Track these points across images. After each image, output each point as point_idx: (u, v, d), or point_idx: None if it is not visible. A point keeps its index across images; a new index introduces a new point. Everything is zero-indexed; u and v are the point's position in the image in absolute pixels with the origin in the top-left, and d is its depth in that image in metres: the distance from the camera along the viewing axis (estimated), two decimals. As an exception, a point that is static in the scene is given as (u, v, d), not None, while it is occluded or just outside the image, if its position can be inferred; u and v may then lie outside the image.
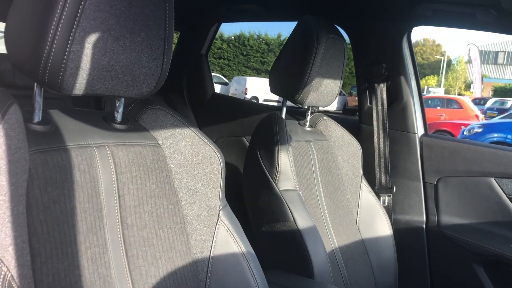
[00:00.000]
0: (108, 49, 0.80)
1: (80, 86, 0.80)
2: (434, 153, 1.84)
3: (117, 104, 0.98)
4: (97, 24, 0.77)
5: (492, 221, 1.69)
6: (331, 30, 1.56)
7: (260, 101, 18.55)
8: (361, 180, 1.77)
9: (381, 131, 1.90)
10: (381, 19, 1.82)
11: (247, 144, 2.43)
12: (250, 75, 21.77)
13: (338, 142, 1.76)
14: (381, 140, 1.90)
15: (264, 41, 25.60)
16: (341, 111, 19.11)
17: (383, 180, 1.90)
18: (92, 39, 0.77)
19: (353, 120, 2.12)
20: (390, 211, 1.88)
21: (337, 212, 1.65)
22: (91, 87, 0.81)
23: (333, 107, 19.15)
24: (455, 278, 1.75)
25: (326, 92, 1.60)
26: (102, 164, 0.89)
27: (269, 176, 1.44)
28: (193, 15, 2.33)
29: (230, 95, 18.49)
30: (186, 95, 2.55)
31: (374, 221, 1.74)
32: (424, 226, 1.84)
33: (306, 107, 1.65)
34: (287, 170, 1.43)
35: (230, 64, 25.28)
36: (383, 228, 1.73)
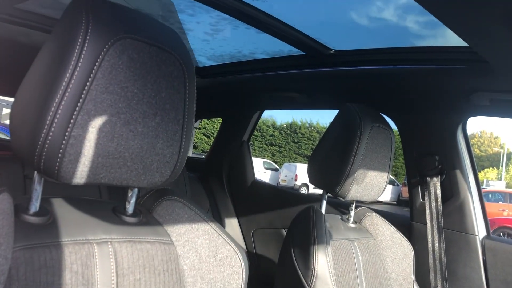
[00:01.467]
0: (116, 134, 0.72)
1: (81, 174, 0.71)
2: (500, 260, 1.59)
3: (129, 194, 0.88)
4: (105, 107, 0.70)
5: None
6: (376, 119, 1.45)
7: (310, 189, 18.32)
8: (413, 287, 1.53)
9: (435, 231, 1.68)
10: (433, 109, 1.69)
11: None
12: (301, 162, 21.79)
13: (386, 242, 1.56)
14: (436, 242, 1.68)
15: (315, 129, 25.89)
16: (395, 202, 18.40)
17: (437, 285, 1.64)
18: (97, 123, 0.69)
19: (404, 217, 1.92)
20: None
21: None
22: (94, 175, 0.72)
23: (386, 197, 18.53)
24: None
25: (371, 186, 1.45)
26: (101, 263, 0.77)
27: (303, 281, 1.26)
28: (236, 102, 2.31)
29: (280, 181, 18.45)
30: (225, 182, 2.47)
31: None
32: None
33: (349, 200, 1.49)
34: (325, 274, 1.25)
35: (281, 151, 25.56)
36: None
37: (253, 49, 1.80)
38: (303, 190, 18.40)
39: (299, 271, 1.29)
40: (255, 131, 2.47)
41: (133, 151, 0.74)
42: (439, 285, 1.64)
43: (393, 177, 20.31)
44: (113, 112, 0.71)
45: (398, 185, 19.23)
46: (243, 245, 2.39)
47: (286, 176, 18.88)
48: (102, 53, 0.68)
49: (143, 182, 0.80)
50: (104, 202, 0.95)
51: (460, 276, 1.64)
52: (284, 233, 2.25)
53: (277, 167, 20.58)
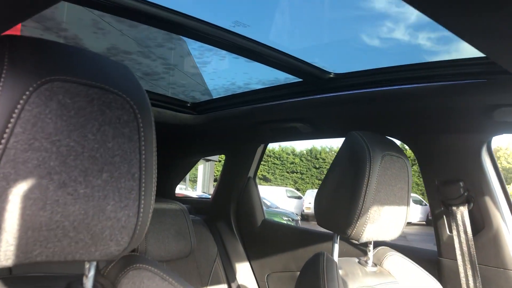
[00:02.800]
0: (49, 200, 0.56)
1: (6, 255, 0.55)
2: None
3: (86, 267, 0.72)
4: (30, 168, 0.54)
5: None
6: (387, 146, 1.27)
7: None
8: None
9: (468, 268, 1.47)
10: (452, 130, 1.50)
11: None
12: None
13: (412, 285, 1.36)
14: (470, 280, 1.45)
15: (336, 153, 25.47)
16: (424, 222, 17.78)
17: None
18: (21, 189, 0.54)
19: (430, 252, 1.70)
20: None
21: None
22: (25, 254, 0.57)
23: (415, 218, 17.93)
24: None
25: (388, 223, 1.26)
26: None
27: None
28: (237, 137, 2.16)
29: (304, 209, 18.06)
30: (234, 223, 2.29)
31: None
32: None
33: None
34: None
35: (303, 178, 25.20)
36: None
37: (246, 79, 1.67)
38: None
39: None
40: (275, 159, 2.28)
41: (75, 218, 0.58)
42: None
43: (419, 196, 19.72)
44: (42, 173, 0.55)
45: (425, 205, 18.61)
46: (257, 292, 2.19)
47: (310, 203, 18.50)
48: (21, 101, 0.54)
49: (95, 254, 0.63)
50: (58, 277, 0.79)
51: None
52: (301, 276, 2.05)
53: (300, 194, 20.22)
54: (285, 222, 9.01)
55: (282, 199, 18.27)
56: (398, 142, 1.44)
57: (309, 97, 1.62)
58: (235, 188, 2.27)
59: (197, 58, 1.45)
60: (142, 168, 0.64)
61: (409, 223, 16.70)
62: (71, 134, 0.57)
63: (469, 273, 1.46)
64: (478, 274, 1.44)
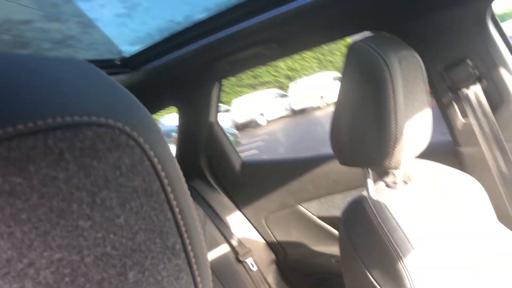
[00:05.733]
0: None
1: None
2: None
3: None
4: None
5: None
6: (393, 44, 1.02)
7: (267, 117, 18.13)
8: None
9: (495, 149, 1.32)
10: (446, 5, 1.26)
11: (306, 212, 1.87)
12: (247, 94, 21.24)
13: (446, 185, 1.19)
14: (501, 161, 1.32)
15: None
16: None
17: None
18: None
19: (442, 144, 1.53)
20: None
21: None
22: None
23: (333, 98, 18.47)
24: None
25: (418, 135, 1.06)
26: None
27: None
28: (186, 84, 1.79)
29: (235, 120, 18.00)
30: (210, 177, 2.00)
31: None
32: None
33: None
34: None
35: (224, 89, 24.80)
36: None
37: (188, 10, 1.28)
38: (262, 121, 18.17)
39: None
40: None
41: None
42: None
43: (339, 74, 20.18)
44: None
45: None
46: (259, 239, 2.00)
47: (239, 114, 18.42)
48: None
49: None
50: None
51: None
52: (302, 208, 1.86)
53: (228, 107, 19.95)
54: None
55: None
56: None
57: (276, 12, 1.28)
58: (199, 140, 1.96)
59: (122, 2, 1.06)
60: (182, 233, 0.36)
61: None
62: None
63: (497, 154, 1.33)
64: (509, 153, 1.31)
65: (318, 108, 17.45)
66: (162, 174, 0.33)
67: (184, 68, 1.62)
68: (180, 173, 0.38)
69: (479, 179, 1.25)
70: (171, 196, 0.34)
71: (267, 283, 1.96)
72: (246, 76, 24.43)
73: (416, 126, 1.03)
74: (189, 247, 0.36)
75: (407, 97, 0.98)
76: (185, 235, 0.35)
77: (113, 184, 0.30)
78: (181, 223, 0.35)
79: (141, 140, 0.32)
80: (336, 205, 1.78)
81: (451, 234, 1.06)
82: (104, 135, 0.28)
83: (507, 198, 1.33)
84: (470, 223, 1.13)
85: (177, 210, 0.35)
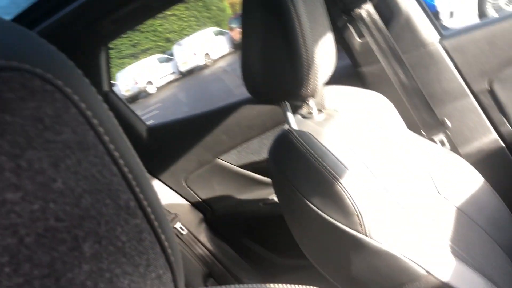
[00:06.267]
0: None
1: None
2: (468, 54, 1.37)
3: None
4: None
5: None
6: None
7: (156, 85, 17.59)
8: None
9: (394, 63, 1.38)
10: None
11: (226, 164, 1.84)
12: (129, 65, 20.26)
13: (363, 107, 1.22)
14: (401, 73, 1.39)
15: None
16: (233, 50, 18.40)
17: (427, 118, 1.41)
18: None
19: (343, 68, 1.56)
20: (457, 151, 1.42)
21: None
22: None
23: (223, 52, 18.40)
24: None
25: (326, 59, 1.05)
26: None
27: (352, 232, 0.89)
28: (69, 54, 1.60)
29: (124, 92, 17.19)
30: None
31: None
32: (501, 143, 1.40)
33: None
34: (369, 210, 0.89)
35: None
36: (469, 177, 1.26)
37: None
38: (151, 89, 17.62)
39: (333, 220, 0.92)
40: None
41: None
42: (425, 114, 1.41)
43: (219, 29, 20.02)
44: None
45: (226, 33, 19.11)
46: (183, 202, 1.94)
47: (127, 85, 17.64)
48: None
49: None
50: None
51: (438, 94, 1.42)
52: (221, 161, 1.82)
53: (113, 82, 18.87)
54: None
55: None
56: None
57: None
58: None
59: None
60: (133, 187, 0.30)
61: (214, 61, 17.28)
62: None
63: (397, 67, 1.39)
64: (405, 64, 1.37)
65: (206, 66, 17.30)
66: (95, 121, 0.27)
67: (63, 36, 1.43)
68: (115, 120, 0.31)
69: (384, 94, 1.30)
70: (111, 147, 0.28)
71: (201, 243, 1.92)
72: (124, 47, 23.18)
73: (323, 50, 1.02)
74: (144, 203, 0.30)
75: (310, 20, 0.95)
76: (137, 189, 0.29)
77: (38, 141, 0.23)
78: (130, 176, 0.29)
79: (59, 83, 0.24)
80: (254, 150, 1.77)
81: (375, 150, 1.09)
82: (11, 81, 0.21)
83: (411, 107, 1.41)
84: (390, 138, 1.17)
85: (121, 162, 0.28)
